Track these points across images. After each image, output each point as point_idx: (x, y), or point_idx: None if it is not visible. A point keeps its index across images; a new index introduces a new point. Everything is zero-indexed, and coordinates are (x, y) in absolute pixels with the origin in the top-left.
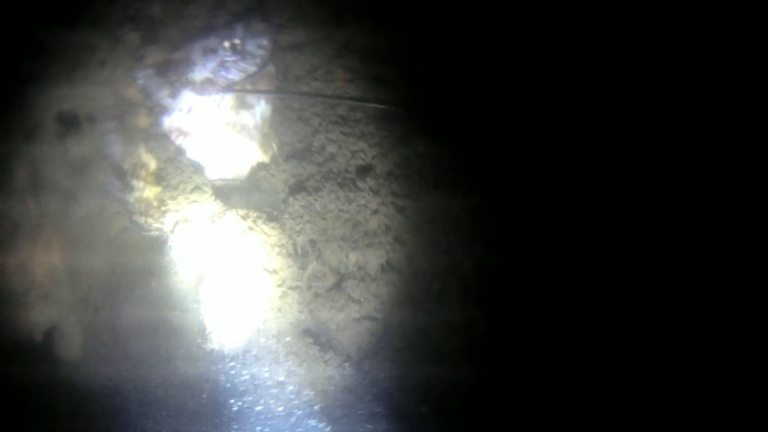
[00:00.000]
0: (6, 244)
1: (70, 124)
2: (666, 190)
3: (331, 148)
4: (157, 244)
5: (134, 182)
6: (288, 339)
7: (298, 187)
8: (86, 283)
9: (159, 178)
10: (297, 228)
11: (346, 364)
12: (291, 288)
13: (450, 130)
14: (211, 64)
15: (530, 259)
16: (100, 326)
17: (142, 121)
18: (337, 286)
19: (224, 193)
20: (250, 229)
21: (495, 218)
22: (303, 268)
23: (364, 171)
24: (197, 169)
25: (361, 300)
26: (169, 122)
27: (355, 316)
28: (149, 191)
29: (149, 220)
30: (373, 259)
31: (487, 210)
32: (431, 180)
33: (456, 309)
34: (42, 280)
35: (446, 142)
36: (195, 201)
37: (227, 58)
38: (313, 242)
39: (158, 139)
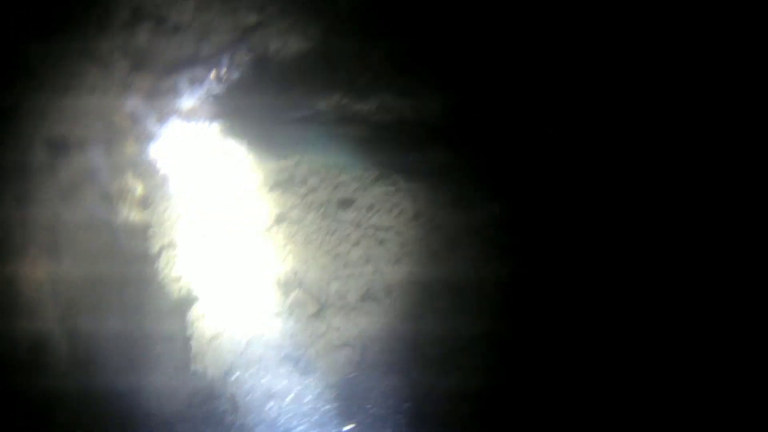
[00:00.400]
0: None
1: (58, 148)
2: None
3: (313, 181)
4: (143, 268)
5: (121, 207)
6: (269, 363)
7: (281, 217)
8: (68, 302)
9: (146, 203)
10: (280, 257)
11: (325, 389)
12: (274, 314)
13: (430, 165)
14: (198, 93)
15: (511, 289)
16: (77, 345)
17: (130, 147)
18: (318, 314)
19: (209, 219)
20: (234, 256)
21: (475, 250)
22: (285, 295)
23: (345, 204)
24: (183, 196)
25: (341, 328)
26: (156, 149)
27: (335, 343)
28: (136, 216)
29: (135, 243)
30: (354, 289)
31: (465, 243)
32: (410, 213)
33: (435, 338)
34: (26, 298)
35: (425, 177)
36: (180, 227)
37: (213, 88)
38: (295, 271)
39: (145, 165)
